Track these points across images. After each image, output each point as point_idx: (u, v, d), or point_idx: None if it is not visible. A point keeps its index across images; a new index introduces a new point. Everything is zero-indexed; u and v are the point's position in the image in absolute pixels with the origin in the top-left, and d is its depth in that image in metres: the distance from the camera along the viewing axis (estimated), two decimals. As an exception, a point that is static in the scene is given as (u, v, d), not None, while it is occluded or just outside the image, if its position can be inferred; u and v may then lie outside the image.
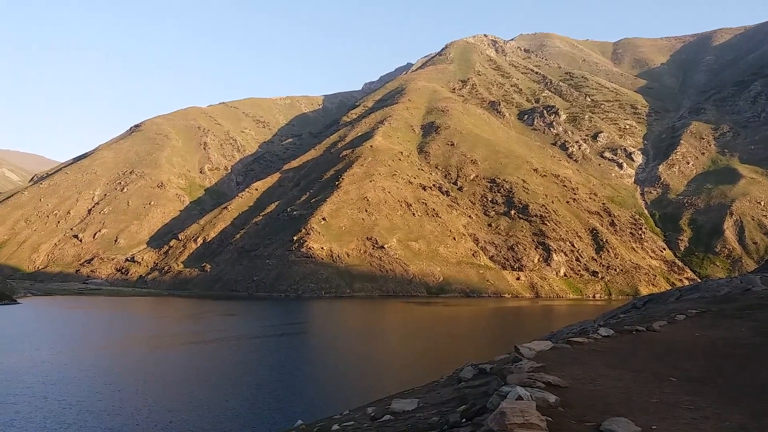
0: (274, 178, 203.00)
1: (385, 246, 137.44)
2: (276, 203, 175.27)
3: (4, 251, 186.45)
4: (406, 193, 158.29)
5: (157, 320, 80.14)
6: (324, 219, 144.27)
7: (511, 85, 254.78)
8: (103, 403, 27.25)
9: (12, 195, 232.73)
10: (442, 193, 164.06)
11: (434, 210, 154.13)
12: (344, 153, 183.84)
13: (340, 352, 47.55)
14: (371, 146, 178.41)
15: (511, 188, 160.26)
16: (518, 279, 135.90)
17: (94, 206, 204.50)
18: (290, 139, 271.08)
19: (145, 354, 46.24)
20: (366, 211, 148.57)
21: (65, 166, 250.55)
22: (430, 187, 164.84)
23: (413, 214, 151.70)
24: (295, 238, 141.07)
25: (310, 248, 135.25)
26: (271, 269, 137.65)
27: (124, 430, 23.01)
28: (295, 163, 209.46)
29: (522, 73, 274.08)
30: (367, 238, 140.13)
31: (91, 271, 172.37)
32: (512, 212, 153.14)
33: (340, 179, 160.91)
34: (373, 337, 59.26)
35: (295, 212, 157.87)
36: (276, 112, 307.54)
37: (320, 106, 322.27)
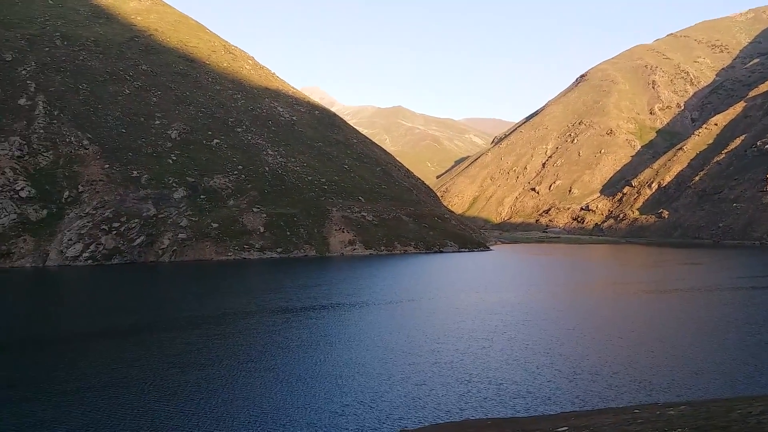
0: (738, 108, 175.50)
1: None
2: (741, 137, 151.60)
3: (476, 205, 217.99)
4: None
5: (613, 267, 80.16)
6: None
7: None
8: (563, 347, 28.55)
9: (478, 157, 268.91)
10: None
11: None
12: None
13: None
14: None
15: None
16: None
17: (547, 160, 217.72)
18: (756, 60, 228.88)
19: (602, 300, 46.68)
20: None
21: (519, 126, 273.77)
22: None
23: None
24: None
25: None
26: (740, 213, 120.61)
27: (581, 376, 23.53)
28: (764, 87, 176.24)
29: None
30: None
31: (549, 220, 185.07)
32: None
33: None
34: None
35: (767, 146, 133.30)
36: (736, 31, 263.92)
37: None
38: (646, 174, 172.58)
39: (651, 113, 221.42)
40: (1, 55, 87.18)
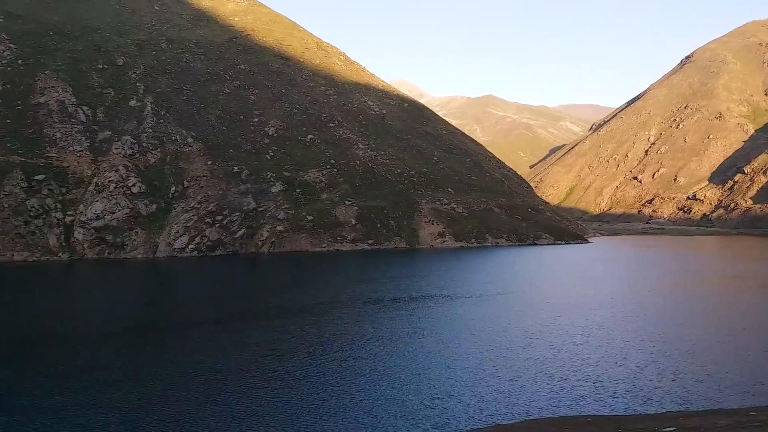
0: None
1: None
2: None
3: (573, 196, 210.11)
4: None
5: (725, 260, 74.71)
6: None
7: None
8: (667, 345, 26.94)
9: (575, 145, 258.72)
10: None
11: None
12: None
13: None
14: None
15: None
16: None
17: (650, 147, 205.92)
18: None
19: (713, 295, 43.60)
20: None
21: (619, 111, 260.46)
22: None
23: None
24: None
25: None
26: None
27: (686, 376, 22.03)
28: None
29: None
30: None
31: (653, 210, 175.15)
32: None
33: None
34: None
35: None
36: None
37: None
38: (760, 160, 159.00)
39: (766, 94, 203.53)
40: (114, 60, 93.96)
